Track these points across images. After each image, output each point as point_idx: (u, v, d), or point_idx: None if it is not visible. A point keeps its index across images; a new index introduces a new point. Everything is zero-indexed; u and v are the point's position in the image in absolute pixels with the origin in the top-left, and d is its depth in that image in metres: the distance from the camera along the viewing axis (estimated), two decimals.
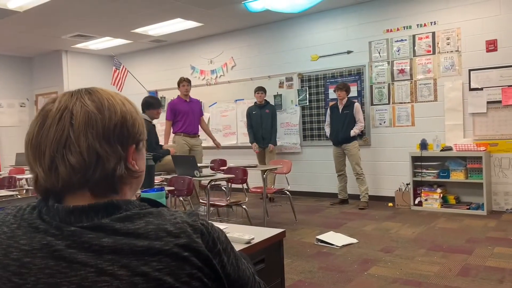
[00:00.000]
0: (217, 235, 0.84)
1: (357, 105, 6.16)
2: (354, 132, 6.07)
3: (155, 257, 0.75)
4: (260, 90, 6.85)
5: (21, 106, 9.68)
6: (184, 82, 6.31)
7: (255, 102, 6.95)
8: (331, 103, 6.55)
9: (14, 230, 0.78)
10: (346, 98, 6.18)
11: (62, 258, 0.73)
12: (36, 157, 0.80)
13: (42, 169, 0.79)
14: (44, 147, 0.79)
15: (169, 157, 5.07)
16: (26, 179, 5.91)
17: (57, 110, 0.80)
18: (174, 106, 6.28)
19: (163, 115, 6.56)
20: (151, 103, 5.33)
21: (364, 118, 6.35)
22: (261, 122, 6.82)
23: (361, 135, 6.61)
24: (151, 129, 5.29)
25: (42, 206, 0.81)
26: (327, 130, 6.47)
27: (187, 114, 6.26)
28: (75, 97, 0.82)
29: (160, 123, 7.59)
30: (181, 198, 4.70)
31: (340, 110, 6.20)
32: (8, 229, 0.79)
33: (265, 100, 6.93)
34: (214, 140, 6.71)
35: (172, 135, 6.38)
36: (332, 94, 6.92)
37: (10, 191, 4.65)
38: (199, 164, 5.46)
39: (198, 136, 6.44)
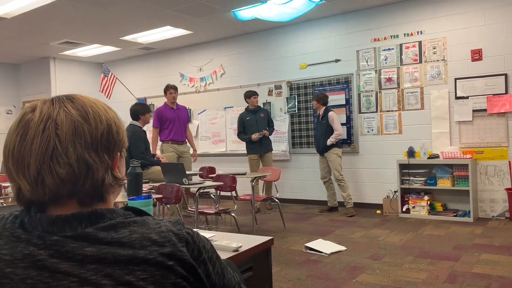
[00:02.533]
0: (203, 244, 0.84)
1: (331, 114, 6.19)
2: (330, 141, 6.12)
3: (140, 266, 0.74)
4: (253, 94, 6.65)
5: (7, 113, 9.56)
6: (171, 90, 6.27)
7: (247, 108, 6.75)
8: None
9: None
10: (323, 108, 6.25)
11: (45, 268, 0.72)
12: (19, 169, 0.77)
13: (26, 181, 0.77)
14: (28, 159, 0.76)
15: (157, 168, 5.02)
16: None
17: (40, 120, 0.78)
18: (160, 113, 6.23)
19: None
20: (143, 109, 5.39)
21: (351, 126, 6.41)
22: (258, 127, 6.57)
23: (350, 142, 6.66)
24: (143, 135, 5.28)
25: (24, 216, 0.79)
26: None
27: (173, 122, 6.22)
28: (57, 105, 0.80)
29: (149, 131, 7.56)
30: (168, 206, 4.67)
31: (320, 119, 6.31)
32: None
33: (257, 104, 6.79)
34: (194, 150, 6.61)
35: (159, 142, 6.34)
36: None
37: None
38: (187, 172, 5.45)
39: (186, 143, 6.41)
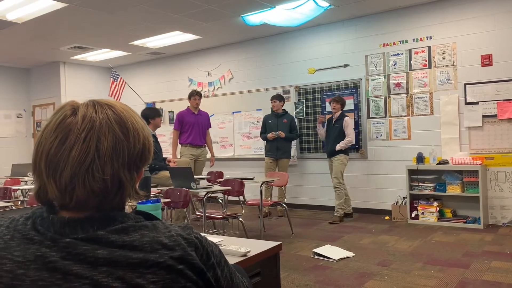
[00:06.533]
0: (211, 249, 0.84)
1: (347, 119, 6.11)
2: (340, 146, 6.02)
3: (150, 270, 0.75)
4: (274, 98, 6.66)
5: (18, 117, 9.66)
6: (196, 96, 6.54)
7: (272, 111, 6.79)
8: (328, 116, 6.49)
9: (8, 241, 0.77)
10: (340, 112, 6.16)
11: (57, 270, 0.73)
12: (50, 172, 0.77)
13: (56, 186, 0.77)
14: (63, 165, 0.76)
15: (166, 174, 5.04)
16: (22, 190, 5.88)
17: (82, 128, 0.77)
18: (181, 117, 6.48)
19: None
20: (153, 113, 5.52)
21: (360, 132, 6.35)
22: (277, 131, 6.53)
23: (358, 147, 6.63)
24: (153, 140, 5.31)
25: (36, 217, 0.79)
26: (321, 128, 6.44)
27: (193, 126, 6.45)
28: (100, 115, 0.80)
29: (169, 133, 7.69)
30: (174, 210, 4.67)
31: (332, 123, 6.19)
32: (1, 240, 0.77)
33: (283, 109, 6.73)
34: (212, 155, 6.87)
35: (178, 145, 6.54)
36: (329, 107, 6.95)
37: (5, 202, 4.62)
38: (197, 176, 5.47)
39: (204, 147, 6.62)
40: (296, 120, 7.24)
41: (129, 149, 0.80)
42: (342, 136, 6.06)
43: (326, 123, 6.36)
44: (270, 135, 6.54)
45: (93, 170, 0.76)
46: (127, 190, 0.81)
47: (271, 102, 6.71)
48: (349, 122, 6.11)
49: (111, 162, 0.77)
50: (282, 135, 6.50)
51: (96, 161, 0.76)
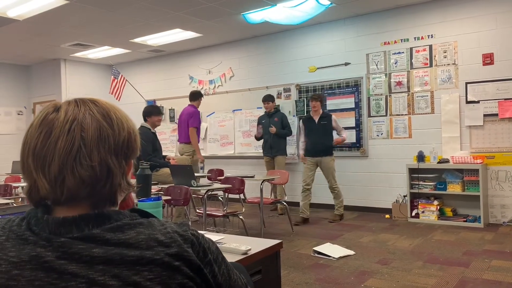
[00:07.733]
0: (208, 245, 0.84)
1: (334, 117, 6.11)
2: (338, 140, 5.96)
3: (146, 267, 0.75)
4: (266, 100, 6.67)
5: (18, 114, 9.66)
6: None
7: (265, 111, 6.81)
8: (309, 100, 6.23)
9: (3, 242, 0.77)
10: (321, 109, 6.12)
11: (53, 269, 0.73)
12: (39, 167, 0.78)
13: (46, 180, 0.77)
14: (50, 158, 0.77)
15: (166, 171, 5.04)
16: (22, 187, 5.88)
17: (65, 120, 0.78)
18: (200, 116, 6.64)
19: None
20: (151, 111, 5.43)
21: (360, 130, 6.36)
22: (269, 130, 6.55)
23: (359, 146, 6.63)
24: (151, 137, 5.30)
25: (31, 217, 0.79)
26: (302, 145, 6.17)
27: (200, 125, 6.62)
28: (82, 107, 0.81)
29: (170, 131, 7.62)
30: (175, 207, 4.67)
31: (317, 121, 6.05)
32: None
33: (275, 108, 6.76)
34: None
35: (177, 143, 6.58)
36: (330, 106, 6.94)
37: (5, 199, 4.62)
38: (197, 174, 5.47)
39: None
40: (296, 119, 7.25)
41: (114, 137, 0.81)
42: (331, 133, 6.02)
43: (305, 122, 6.15)
44: (256, 133, 6.73)
45: (81, 158, 0.77)
46: (116, 178, 0.81)
47: (264, 104, 6.70)
48: (336, 119, 6.11)
49: (97, 149, 0.78)
50: (273, 130, 6.48)
51: (82, 149, 0.77)
